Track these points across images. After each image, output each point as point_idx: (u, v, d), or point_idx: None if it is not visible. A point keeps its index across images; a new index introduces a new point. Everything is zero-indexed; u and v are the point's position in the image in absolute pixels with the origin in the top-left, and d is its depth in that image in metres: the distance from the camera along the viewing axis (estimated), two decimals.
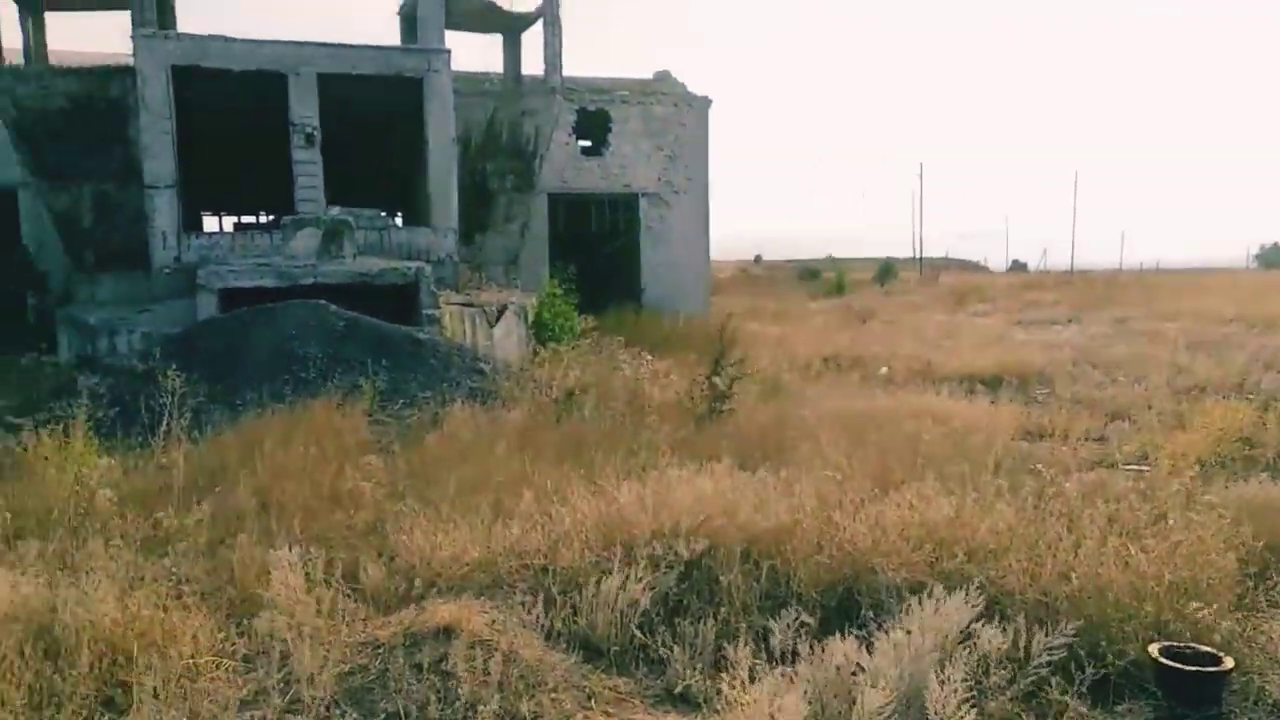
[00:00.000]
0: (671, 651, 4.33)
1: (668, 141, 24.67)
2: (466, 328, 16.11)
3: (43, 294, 19.61)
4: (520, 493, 7.09)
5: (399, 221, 22.42)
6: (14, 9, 21.76)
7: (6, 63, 19.20)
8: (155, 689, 3.93)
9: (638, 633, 4.53)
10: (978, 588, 4.60)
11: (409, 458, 9.16)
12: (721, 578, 5.02)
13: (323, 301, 13.74)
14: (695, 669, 4.20)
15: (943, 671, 3.67)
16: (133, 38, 17.06)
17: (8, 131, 18.44)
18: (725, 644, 4.14)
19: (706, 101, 25.34)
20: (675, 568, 5.02)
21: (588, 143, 24.38)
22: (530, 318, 18.03)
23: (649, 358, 15.13)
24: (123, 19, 18.78)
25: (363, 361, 12.49)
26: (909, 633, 3.93)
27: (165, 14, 20.07)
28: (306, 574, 5.49)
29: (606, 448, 8.76)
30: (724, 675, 3.77)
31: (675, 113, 24.79)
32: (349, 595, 5.03)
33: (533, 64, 24.26)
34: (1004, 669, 4.17)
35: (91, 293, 18.03)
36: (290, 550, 5.79)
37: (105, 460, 8.75)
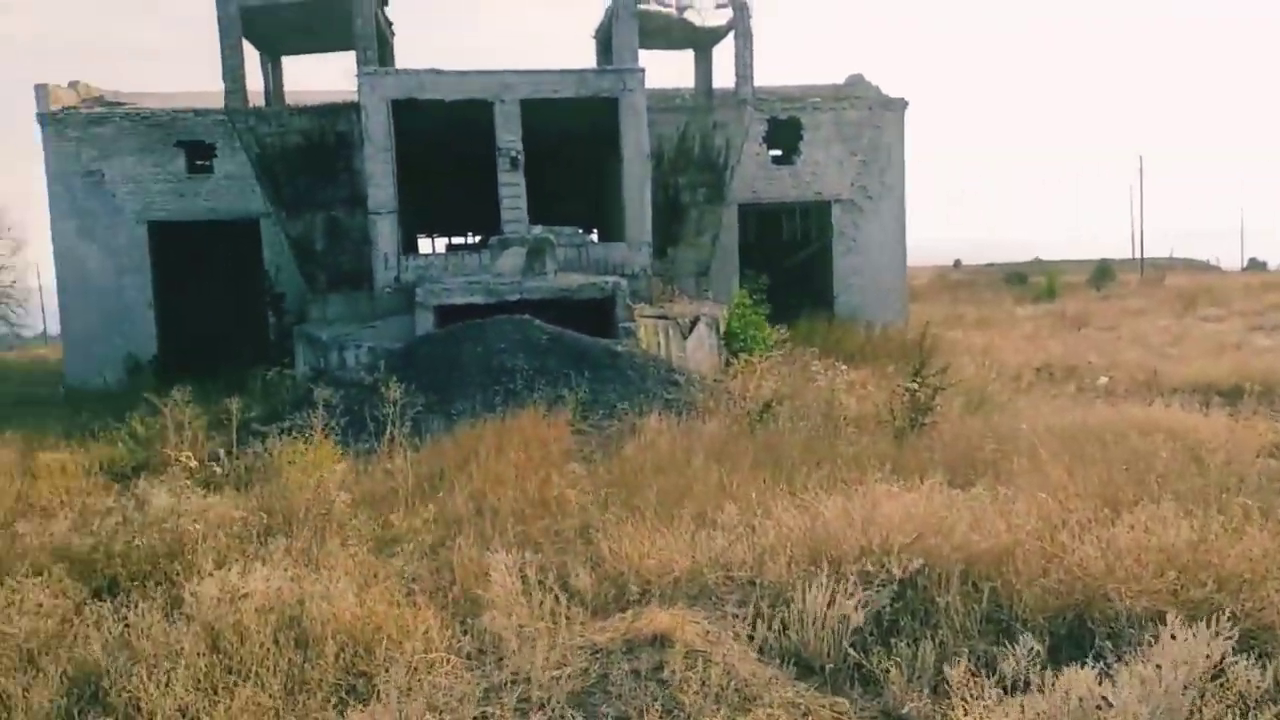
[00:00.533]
0: (888, 672, 4.20)
1: (861, 146, 24.12)
2: (660, 340, 16.37)
3: (281, 314, 21.66)
4: (720, 503, 7.13)
5: (594, 237, 23.12)
6: (256, 54, 24.17)
7: (250, 105, 21.32)
8: (395, 681, 4.22)
9: (851, 651, 4.42)
10: (1229, 619, 4.18)
11: (609, 467, 9.40)
12: (938, 598, 4.82)
13: (527, 316, 14.37)
14: (916, 692, 4.05)
15: (1198, 711, 3.35)
16: (358, 76, 18.57)
17: (252, 167, 20.53)
18: (946, 667, 3.97)
19: (902, 104, 24.59)
20: (888, 586, 4.86)
21: (778, 151, 24.24)
22: (721, 329, 18.10)
23: (844, 368, 14.81)
24: (348, 59, 20.51)
25: (565, 373, 12.96)
26: (1158, 667, 3.62)
27: (384, 49, 21.70)
28: (522, 577, 5.75)
29: (804, 460, 8.65)
30: (948, 700, 3.61)
31: (869, 116, 24.21)
32: (563, 599, 5.20)
33: (722, 78, 24.43)
34: (1267, 710, 3.77)
35: (323, 311, 19.72)
36: (506, 554, 6.10)
37: (340, 465, 9.56)
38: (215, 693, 4.36)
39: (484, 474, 8.88)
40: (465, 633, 5.19)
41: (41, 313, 42.61)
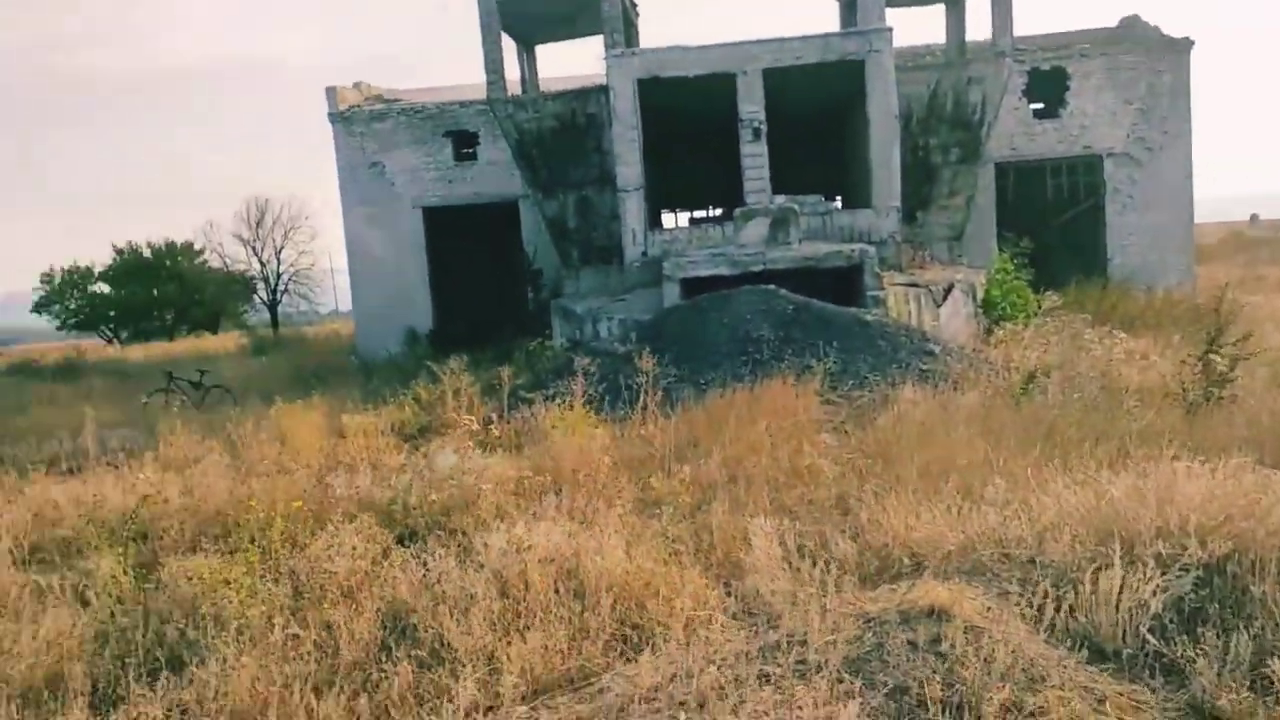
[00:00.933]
0: (1194, 663, 3.84)
1: (1137, 94, 21.87)
2: (911, 308, 15.78)
3: (539, 289, 22.99)
4: (987, 477, 6.79)
5: (839, 204, 22.60)
6: (513, 46, 25.59)
7: (508, 94, 22.64)
8: (669, 635, 4.41)
9: (1150, 638, 4.09)
10: None
11: (862, 438, 9.22)
12: (1252, 587, 4.34)
13: (772, 286, 14.33)
14: (1230, 686, 3.68)
15: None
16: (605, 58, 19.19)
17: (511, 152, 21.83)
18: (1268, 662, 3.57)
19: (1186, 44, 22.00)
20: (1190, 571, 4.44)
21: (1041, 104, 22.50)
22: (979, 296, 17.15)
23: (1121, 336, 13.61)
24: (595, 43, 21.27)
25: (812, 343, 12.81)
26: None
27: (629, 30, 22.27)
28: (781, 543, 5.80)
29: (1080, 435, 8.06)
30: (1271, 696, 3.25)
31: (1146, 60, 21.88)
32: (825, 568, 5.18)
33: (975, 31, 22.99)
34: None
35: (576, 286, 20.71)
36: (765, 520, 6.17)
37: (598, 430, 10.05)
38: (508, 634, 4.74)
39: (735, 442, 9.00)
40: (729, 594, 5.32)
41: (334, 291, 47.95)
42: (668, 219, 29.10)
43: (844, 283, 16.07)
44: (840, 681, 3.54)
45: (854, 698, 3.29)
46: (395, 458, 10.03)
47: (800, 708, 3.20)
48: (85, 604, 6.01)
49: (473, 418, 10.28)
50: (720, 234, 18.53)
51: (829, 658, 3.70)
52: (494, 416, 11.08)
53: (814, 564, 5.22)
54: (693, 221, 27.33)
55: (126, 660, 5.06)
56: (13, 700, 4.56)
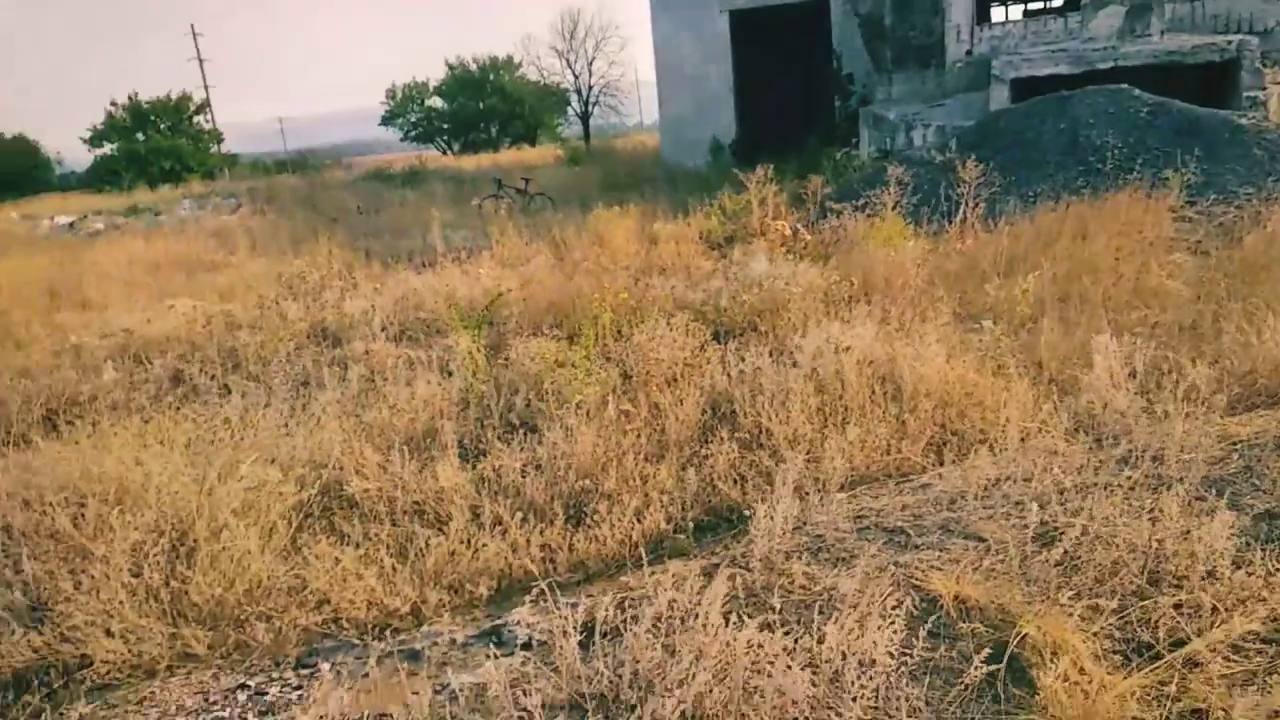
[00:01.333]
0: None
1: None
2: None
3: (847, 96, 21.88)
4: None
5: None
6: None
7: None
8: (994, 443, 4.29)
9: None
10: None
11: (1224, 257, 8.13)
12: None
13: (1124, 86, 12.59)
14: None
15: None
16: None
17: None
18: None
19: None
20: None
21: None
22: None
23: None
24: None
25: (1168, 151, 11.25)
26: None
27: None
28: (1126, 363, 5.34)
29: None
30: None
31: None
32: (1181, 389, 4.73)
33: None
34: None
35: (888, 92, 19.44)
36: (1108, 337, 5.69)
37: (913, 242, 9.64)
38: (826, 427, 4.85)
39: (1068, 259, 8.27)
40: (1059, 411, 5.03)
41: (639, 104, 48.83)
42: (997, 12, 26.13)
43: (1214, 82, 13.76)
44: (1200, 499, 3.27)
45: (1217, 514, 3.03)
46: (705, 263, 10.30)
47: (1154, 519, 3.01)
48: (448, 375, 6.89)
49: (782, 224, 10.24)
50: (1061, 27, 16.38)
51: (1187, 475, 3.42)
52: (800, 226, 10.97)
53: (1166, 387, 4.78)
54: (1027, 14, 24.35)
55: (485, 422, 5.79)
56: (402, 446, 5.39)
